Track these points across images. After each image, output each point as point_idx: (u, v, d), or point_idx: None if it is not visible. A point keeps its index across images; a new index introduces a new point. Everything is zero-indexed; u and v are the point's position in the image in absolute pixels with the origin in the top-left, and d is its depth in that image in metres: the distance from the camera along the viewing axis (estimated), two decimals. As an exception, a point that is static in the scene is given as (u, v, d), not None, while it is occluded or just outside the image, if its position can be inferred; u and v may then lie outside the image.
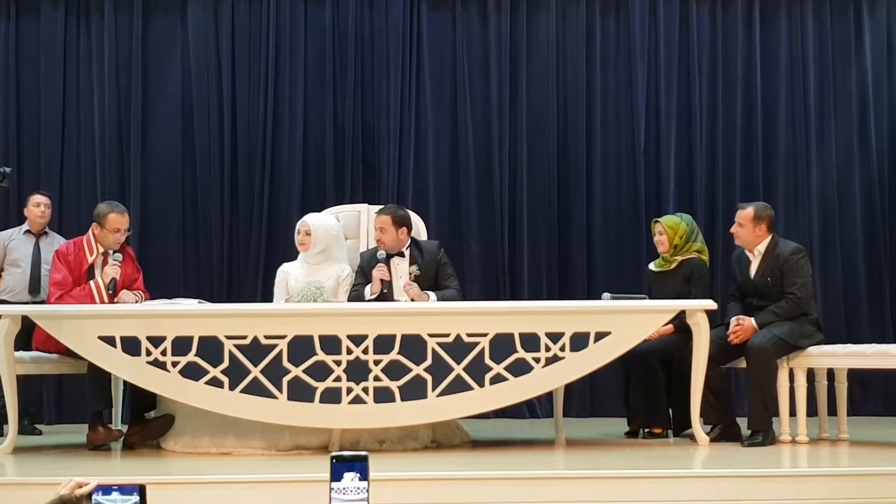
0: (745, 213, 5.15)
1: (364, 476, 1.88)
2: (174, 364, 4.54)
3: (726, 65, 7.16)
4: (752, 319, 5.00)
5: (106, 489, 1.89)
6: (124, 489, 1.90)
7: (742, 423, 5.07)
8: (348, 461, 1.88)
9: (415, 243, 5.35)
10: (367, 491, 1.87)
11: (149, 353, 4.54)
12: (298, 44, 7.03)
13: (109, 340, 4.55)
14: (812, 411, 5.12)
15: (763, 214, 5.14)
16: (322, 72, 7.03)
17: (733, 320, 5.04)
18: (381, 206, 5.48)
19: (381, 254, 5.20)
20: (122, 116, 6.96)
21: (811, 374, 5.09)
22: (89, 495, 1.89)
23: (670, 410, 5.33)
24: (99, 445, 4.84)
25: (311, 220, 5.33)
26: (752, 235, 5.13)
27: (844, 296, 7.04)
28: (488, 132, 7.04)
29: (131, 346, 4.55)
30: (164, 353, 4.54)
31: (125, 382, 4.99)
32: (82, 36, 7.01)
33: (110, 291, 5.02)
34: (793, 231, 6.79)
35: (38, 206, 6.04)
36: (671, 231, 5.43)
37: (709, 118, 7.14)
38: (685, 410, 4.94)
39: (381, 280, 5.12)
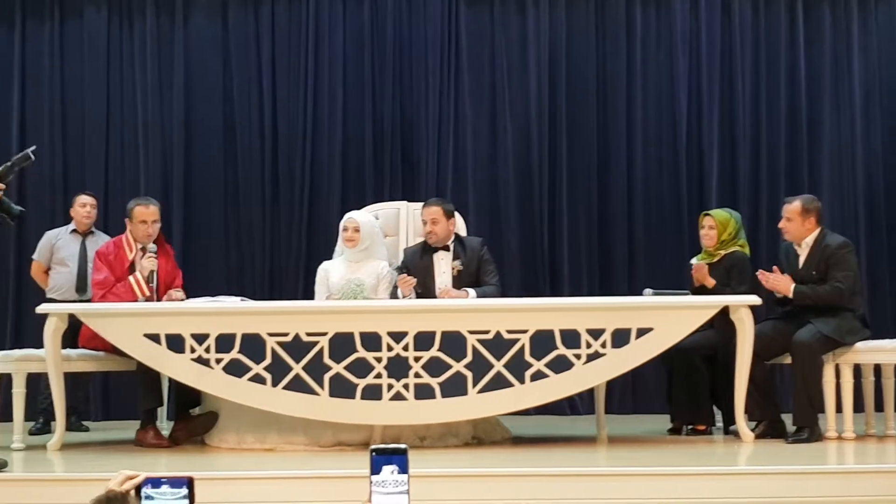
0: (793, 207, 5.09)
1: (403, 469, 1.88)
2: (218, 361, 4.58)
3: (769, 56, 7.07)
4: (791, 280, 4.96)
5: (155, 482, 1.92)
6: (173, 482, 1.92)
7: (787, 419, 5.02)
8: (388, 454, 1.89)
9: (458, 239, 5.37)
10: (407, 484, 1.88)
11: (193, 350, 4.59)
12: (337, 43, 7.06)
13: (154, 338, 4.61)
14: (858, 407, 5.05)
15: (811, 207, 5.08)
16: (361, 70, 7.05)
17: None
18: (427, 200, 5.50)
19: (393, 263, 5.20)
20: (165, 117, 7.03)
21: (857, 370, 5.03)
22: (139, 489, 1.91)
23: (715, 407, 5.29)
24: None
25: (358, 217, 5.36)
26: (801, 229, 5.07)
27: (891, 290, 6.94)
28: (527, 128, 7.02)
29: (176, 343, 4.60)
30: (207, 350, 4.58)
31: (171, 379, 5.05)
32: (125, 38, 7.09)
33: (151, 284, 5.07)
34: (838, 225, 6.69)
35: (83, 206, 6.13)
36: (721, 226, 5.37)
37: (752, 111, 7.05)
38: (730, 407, 4.90)
39: (405, 293, 5.12)
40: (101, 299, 5.05)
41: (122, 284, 5.09)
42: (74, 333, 5.10)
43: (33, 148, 4.46)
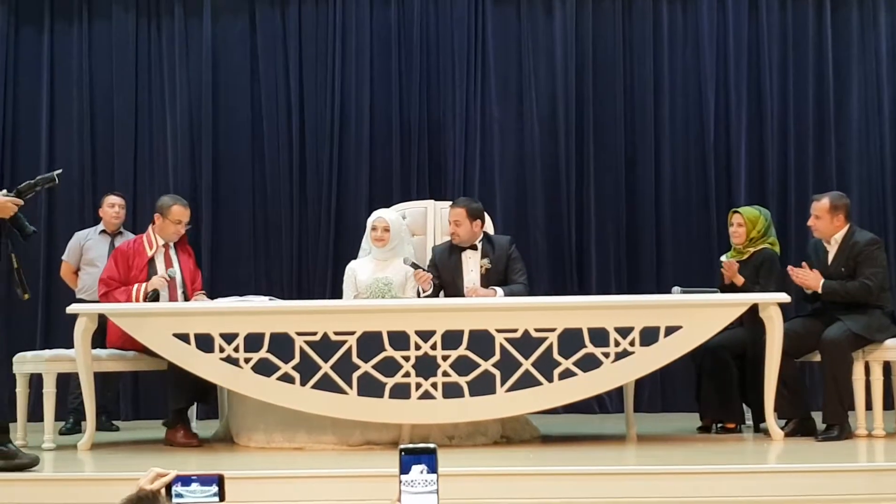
0: (821, 204, 5.05)
1: (432, 468, 1.88)
2: (247, 360, 4.60)
3: (797, 53, 7.01)
4: (820, 276, 4.92)
5: (186, 480, 1.92)
6: (204, 480, 1.93)
7: (817, 417, 4.98)
8: (417, 453, 1.88)
9: (486, 237, 5.37)
10: (436, 483, 1.88)
11: (222, 349, 4.61)
12: (364, 43, 7.07)
13: (184, 338, 4.63)
14: (888, 405, 5.01)
15: (839, 204, 5.05)
16: (388, 69, 7.06)
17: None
18: (455, 200, 5.50)
19: (407, 259, 5.19)
20: (193, 117, 7.07)
21: (887, 367, 4.99)
22: (169, 487, 1.92)
23: (745, 405, 5.26)
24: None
25: (388, 216, 5.37)
26: (829, 226, 5.03)
27: (923, 287, 6.86)
28: (554, 127, 7.00)
29: (205, 342, 4.62)
30: (236, 349, 4.60)
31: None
32: (153, 38, 7.14)
33: (151, 301, 5.09)
34: (867, 222, 6.62)
35: (112, 206, 6.17)
36: (750, 224, 5.34)
37: (780, 108, 7.00)
38: (760, 405, 4.87)
39: (424, 289, 5.11)
40: (103, 297, 5.13)
41: (124, 290, 5.11)
42: (104, 333, 5.13)
43: (59, 171, 4.48)
